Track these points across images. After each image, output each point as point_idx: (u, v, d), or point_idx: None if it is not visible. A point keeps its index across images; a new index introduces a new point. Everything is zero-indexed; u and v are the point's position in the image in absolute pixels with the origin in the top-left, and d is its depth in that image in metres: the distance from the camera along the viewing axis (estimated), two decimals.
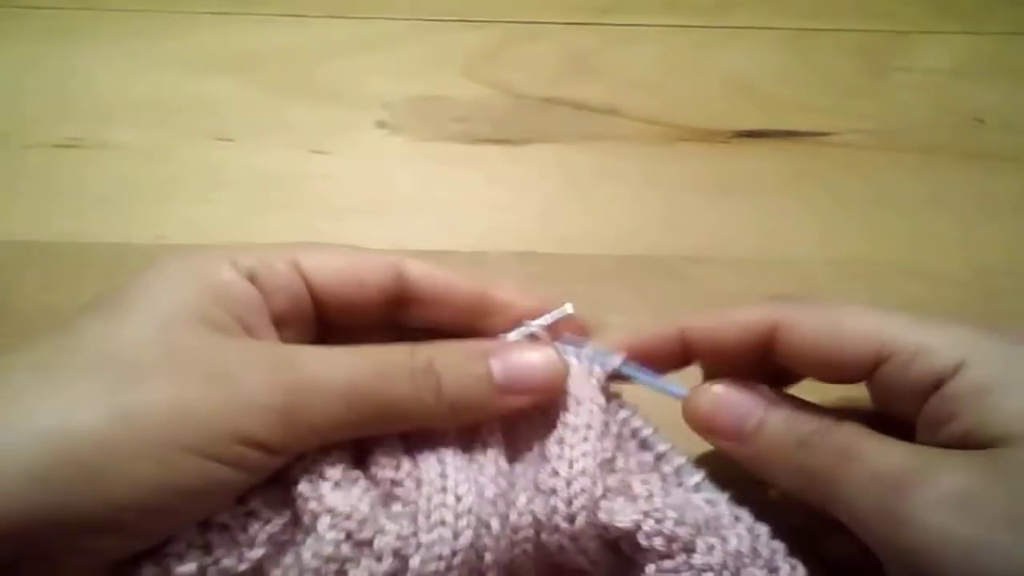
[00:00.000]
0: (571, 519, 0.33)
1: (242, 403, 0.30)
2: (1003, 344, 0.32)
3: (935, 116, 0.63)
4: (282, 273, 0.35)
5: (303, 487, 0.32)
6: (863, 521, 0.31)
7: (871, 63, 0.66)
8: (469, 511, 0.33)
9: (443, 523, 0.32)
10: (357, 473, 0.33)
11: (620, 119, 0.63)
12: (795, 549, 0.34)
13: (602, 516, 0.33)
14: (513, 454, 0.36)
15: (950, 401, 0.32)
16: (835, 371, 0.35)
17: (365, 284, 0.36)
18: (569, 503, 0.33)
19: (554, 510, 0.33)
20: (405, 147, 0.61)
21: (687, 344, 0.37)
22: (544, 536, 0.34)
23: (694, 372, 0.39)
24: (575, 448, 0.34)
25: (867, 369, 0.34)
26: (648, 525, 0.33)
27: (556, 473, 0.34)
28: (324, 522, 0.32)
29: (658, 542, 0.33)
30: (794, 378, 0.39)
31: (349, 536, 0.31)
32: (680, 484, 0.35)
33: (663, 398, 0.37)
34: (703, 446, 0.38)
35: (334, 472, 0.32)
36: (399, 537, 0.32)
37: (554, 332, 0.38)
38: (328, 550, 0.31)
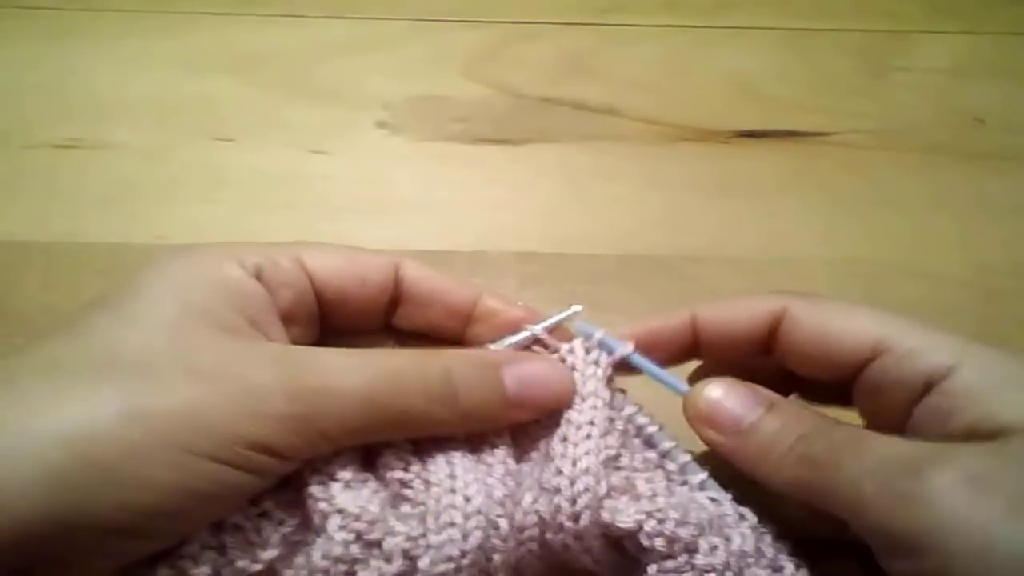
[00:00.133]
0: (575, 518, 0.33)
1: (255, 409, 0.30)
2: (993, 350, 0.33)
3: (935, 116, 0.63)
4: (287, 270, 0.35)
5: (314, 488, 0.32)
6: (868, 504, 0.31)
7: (871, 63, 0.66)
8: (478, 512, 0.32)
9: (452, 524, 0.32)
10: (367, 474, 0.33)
11: (620, 119, 0.63)
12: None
13: (605, 515, 0.33)
14: (521, 454, 0.36)
15: (950, 397, 0.33)
16: (831, 362, 0.36)
17: (366, 282, 0.36)
18: (573, 502, 0.33)
19: (558, 509, 0.33)
20: (405, 147, 0.61)
21: (696, 330, 0.38)
22: (549, 535, 0.34)
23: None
24: (578, 446, 0.34)
25: (862, 361, 0.35)
26: (650, 525, 0.33)
27: (560, 472, 0.34)
28: (334, 523, 0.31)
29: (659, 543, 0.33)
30: (789, 390, 0.39)
31: (359, 537, 0.31)
32: (684, 482, 0.35)
33: (666, 398, 0.37)
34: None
35: (345, 473, 0.32)
36: (408, 538, 0.32)
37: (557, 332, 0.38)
38: (338, 551, 0.31)
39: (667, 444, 0.36)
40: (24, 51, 0.64)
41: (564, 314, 0.38)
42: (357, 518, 0.32)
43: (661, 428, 0.36)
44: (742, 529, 0.34)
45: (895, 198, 0.58)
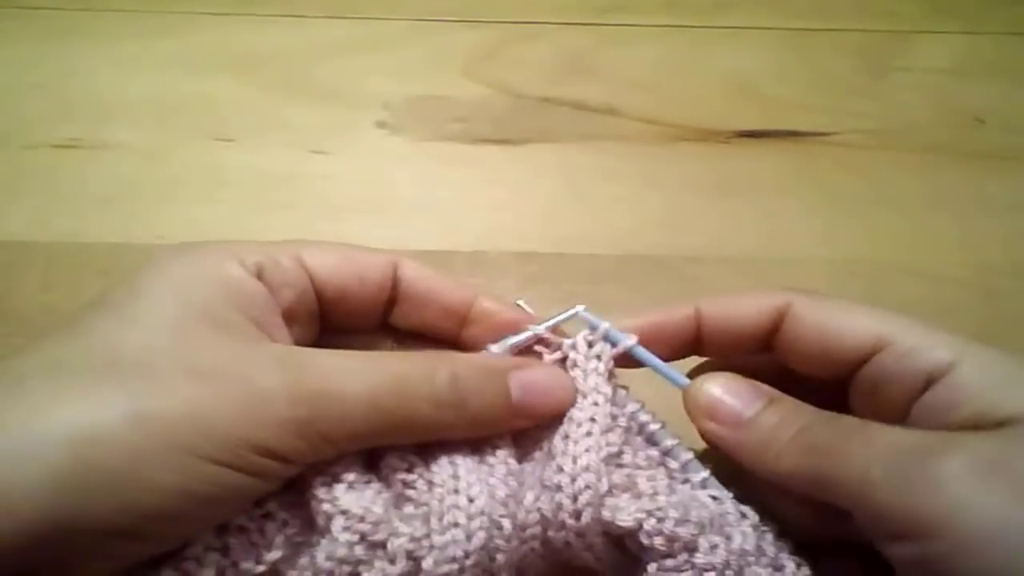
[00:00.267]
0: (577, 515, 0.33)
1: (260, 413, 0.30)
2: (991, 349, 0.34)
3: (935, 116, 0.63)
4: (288, 269, 0.35)
5: (318, 489, 0.32)
6: (878, 488, 0.31)
7: (871, 63, 0.66)
8: (482, 512, 0.32)
9: (456, 524, 0.32)
10: (371, 475, 0.33)
11: (620, 119, 0.63)
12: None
13: (606, 514, 0.33)
14: (523, 453, 0.36)
15: (951, 391, 0.33)
16: (831, 358, 0.36)
17: (365, 281, 0.36)
18: (574, 499, 0.33)
19: (560, 506, 0.33)
20: (405, 147, 0.61)
21: (699, 324, 0.38)
22: (551, 533, 0.34)
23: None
24: (579, 443, 0.34)
25: (862, 357, 0.35)
26: (649, 524, 0.33)
27: (561, 469, 0.34)
28: (338, 524, 0.31)
29: (659, 541, 0.33)
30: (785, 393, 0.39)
31: (363, 538, 0.31)
32: (686, 480, 0.35)
33: (667, 396, 0.37)
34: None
35: (348, 474, 0.32)
36: (412, 539, 0.32)
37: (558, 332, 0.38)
38: (342, 552, 0.31)
39: (669, 442, 0.36)
40: (24, 51, 0.64)
41: (566, 314, 0.38)
42: (361, 519, 0.32)
43: (663, 426, 0.36)
44: (743, 528, 0.34)
45: (895, 198, 0.58)
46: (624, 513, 0.33)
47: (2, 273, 0.52)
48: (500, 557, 0.33)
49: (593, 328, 0.37)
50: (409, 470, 0.34)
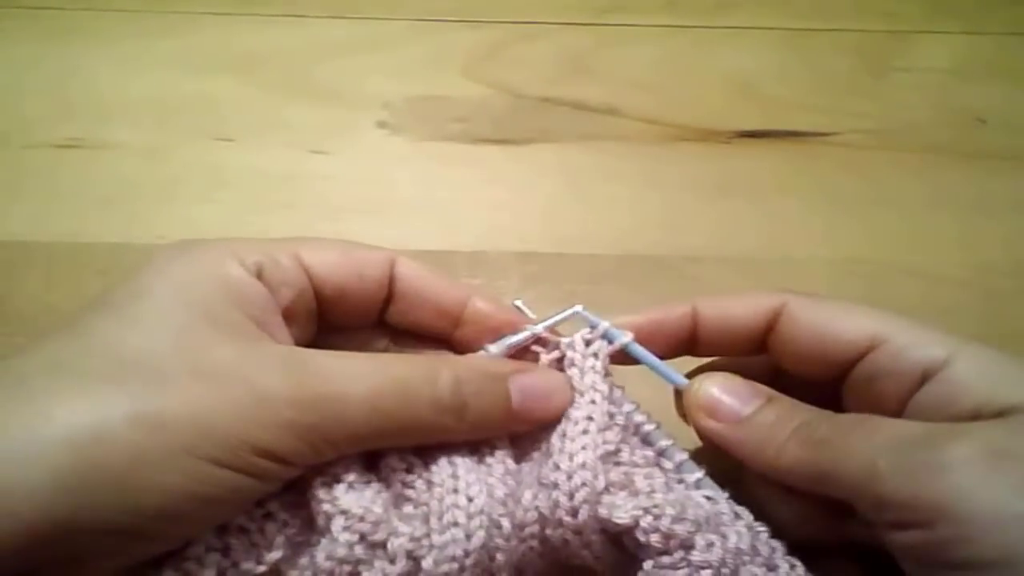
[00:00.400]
0: (574, 513, 0.33)
1: (261, 415, 0.30)
2: (986, 347, 0.34)
3: (935, 116, 0.63)
4: (287, 268, 0.35)
5: (318, 489, 0.32)
6: (883, 476, 0.31)
7: (871, 63, 0.66)
8: (481, 512, 0.33)
9: (456, 524, 0.32)
10: (371, 476, 0.33)
11: (620, 119, 0.63)
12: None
13: (602, 511, 0.33)
14: (521, 453, 0.36)
15: (949, 384, 0.33)
16: (827, 357, 0.36)
17: (364, 278, 0.37)
18: (571, 496, 0.33)
19: (557, 504, 0.33)
20: (405, 147, 0.61)
21: (696, 323, 0.38)
22: (549, 531, 0.34)
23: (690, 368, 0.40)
24: (576, 441, 0.34)
25: (857, 356, 0.35)
26: (646, 521, 0.33)
27: (558, 467, 0.34)
28: (338, 523, 0.32)
29: (655, 539, 0.33)
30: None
31: (363, 538, 0.32)
32: (681, 480, 0.35)
33: (662, 396, 0.37)
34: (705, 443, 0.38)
35: (348, 474, 0.32)
36: (412, 539, 0.32)
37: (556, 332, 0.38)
38: (342, 552, 0.31)
39: (664, 442, 0.36)
40: (25, 51, 0.64)
41: (565, 314, 0.38)
42: (361, 519, 0.32)
43: (658, 426, 0.36)
44: (738, 527, 0.34)
45: (895, 198, 0.58)
46: (621, 510, 0.33)
47: (3, 273, 0.52)
48: (499, 556, 0.33)
49: (592, 326, 0.37)
50: (408, 470, 0.34)
